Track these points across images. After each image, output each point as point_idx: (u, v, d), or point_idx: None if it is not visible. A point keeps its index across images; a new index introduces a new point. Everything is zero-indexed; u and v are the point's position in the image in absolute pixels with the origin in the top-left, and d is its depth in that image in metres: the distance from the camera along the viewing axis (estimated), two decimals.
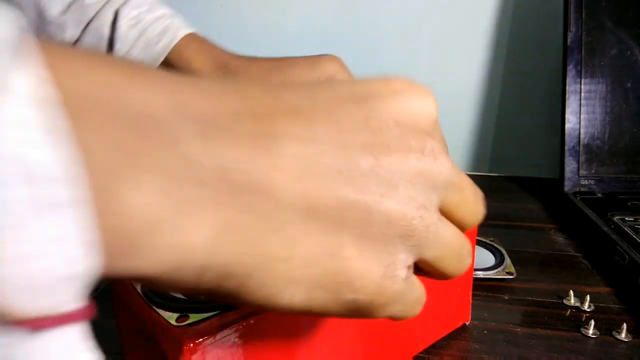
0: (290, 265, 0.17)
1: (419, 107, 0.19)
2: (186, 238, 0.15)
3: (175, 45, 0.45)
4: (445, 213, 0.20)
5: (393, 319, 0.20)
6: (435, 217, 0.19)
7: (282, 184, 0.16)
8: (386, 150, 0.18)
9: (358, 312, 0.18)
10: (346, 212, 0.17)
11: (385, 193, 0.17)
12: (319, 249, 0.17)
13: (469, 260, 0.21)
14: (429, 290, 0.21)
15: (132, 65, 0.15)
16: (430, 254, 0.19)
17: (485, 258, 0.46)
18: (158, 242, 0.14)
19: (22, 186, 0.11)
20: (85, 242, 0.12)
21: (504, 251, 0.47)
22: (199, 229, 0.15)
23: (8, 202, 0.11)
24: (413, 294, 0.20)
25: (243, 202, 0.15)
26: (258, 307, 0.17)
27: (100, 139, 0.13)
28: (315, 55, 0.45)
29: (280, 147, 0.16)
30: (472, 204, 0.21)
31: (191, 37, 0.46)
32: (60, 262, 0.12)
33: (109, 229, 0.13)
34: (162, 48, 0.45)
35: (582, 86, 0.61)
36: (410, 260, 0.19)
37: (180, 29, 0.46)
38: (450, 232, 0.20)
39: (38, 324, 0.12)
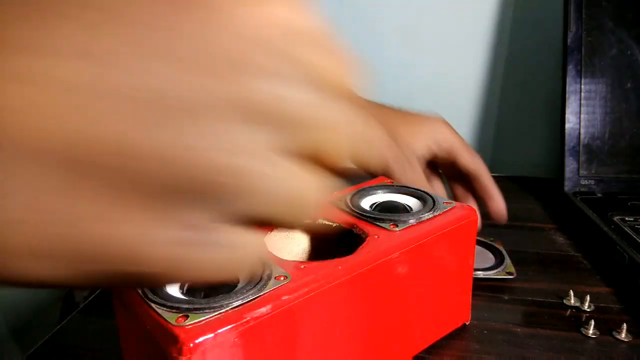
0: (24, 229, 0.12)
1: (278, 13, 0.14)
2: None
3: None
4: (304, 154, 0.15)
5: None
6: (260, 165, 0.14)
7: (10, 119, 0.12)
8: (195, 67, 0.12)
9: (127, 282, 0.14)
10: (111, 161, 0.12)
11: (182, 133, 0.13)
12: (66, 210, 0.13)
13: (308, 212, 0.15)
14: (428, 289, 0.21)
15: None
16: (245, 209, 0.14)
17: (485, 258, 0.46)
18: None
19: None
20: None
21: (504, 251, 0.47)
22: None
23: None
24: (221, 254, 0.15)
25: None
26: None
27: None
28: None
29: (17, 63, 0.11)
30: (343, 143, 0.15)
31: None
32: None
33: None
34: None
35: (582, 86, 0.61)
36: (212, 221, 0.14)
37: None
38: (287, 182, 0.14)
39: None
